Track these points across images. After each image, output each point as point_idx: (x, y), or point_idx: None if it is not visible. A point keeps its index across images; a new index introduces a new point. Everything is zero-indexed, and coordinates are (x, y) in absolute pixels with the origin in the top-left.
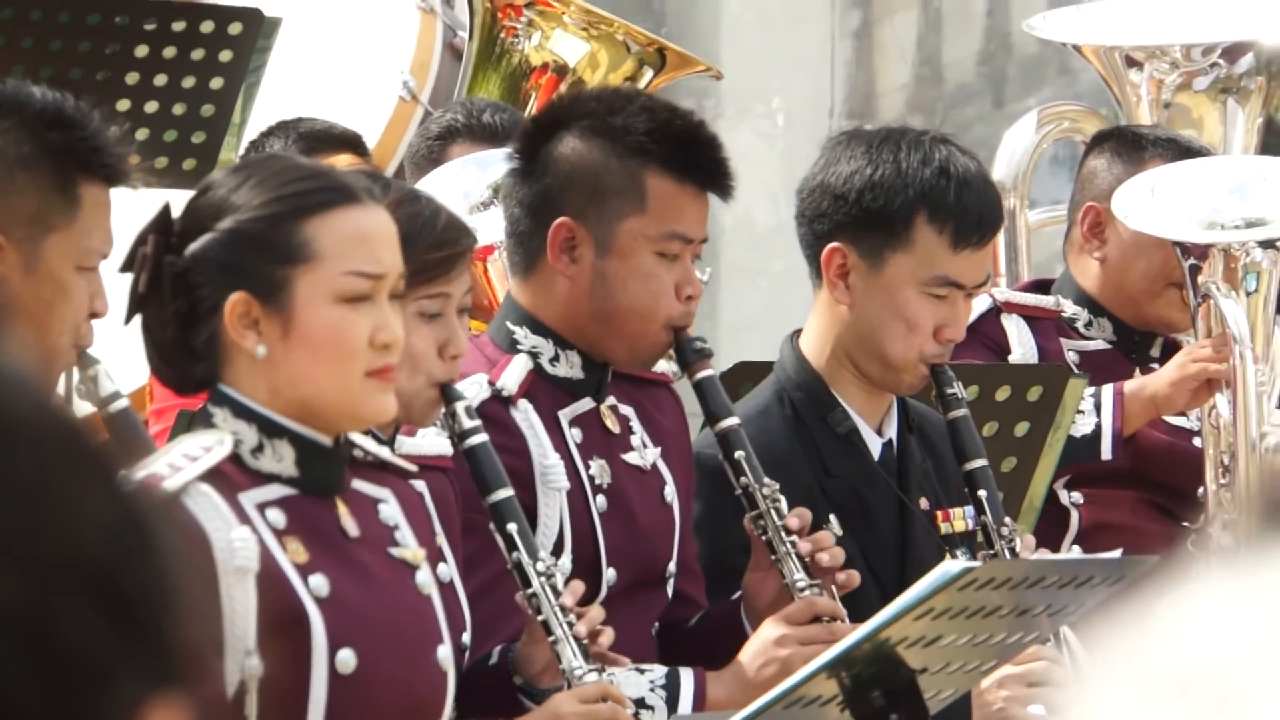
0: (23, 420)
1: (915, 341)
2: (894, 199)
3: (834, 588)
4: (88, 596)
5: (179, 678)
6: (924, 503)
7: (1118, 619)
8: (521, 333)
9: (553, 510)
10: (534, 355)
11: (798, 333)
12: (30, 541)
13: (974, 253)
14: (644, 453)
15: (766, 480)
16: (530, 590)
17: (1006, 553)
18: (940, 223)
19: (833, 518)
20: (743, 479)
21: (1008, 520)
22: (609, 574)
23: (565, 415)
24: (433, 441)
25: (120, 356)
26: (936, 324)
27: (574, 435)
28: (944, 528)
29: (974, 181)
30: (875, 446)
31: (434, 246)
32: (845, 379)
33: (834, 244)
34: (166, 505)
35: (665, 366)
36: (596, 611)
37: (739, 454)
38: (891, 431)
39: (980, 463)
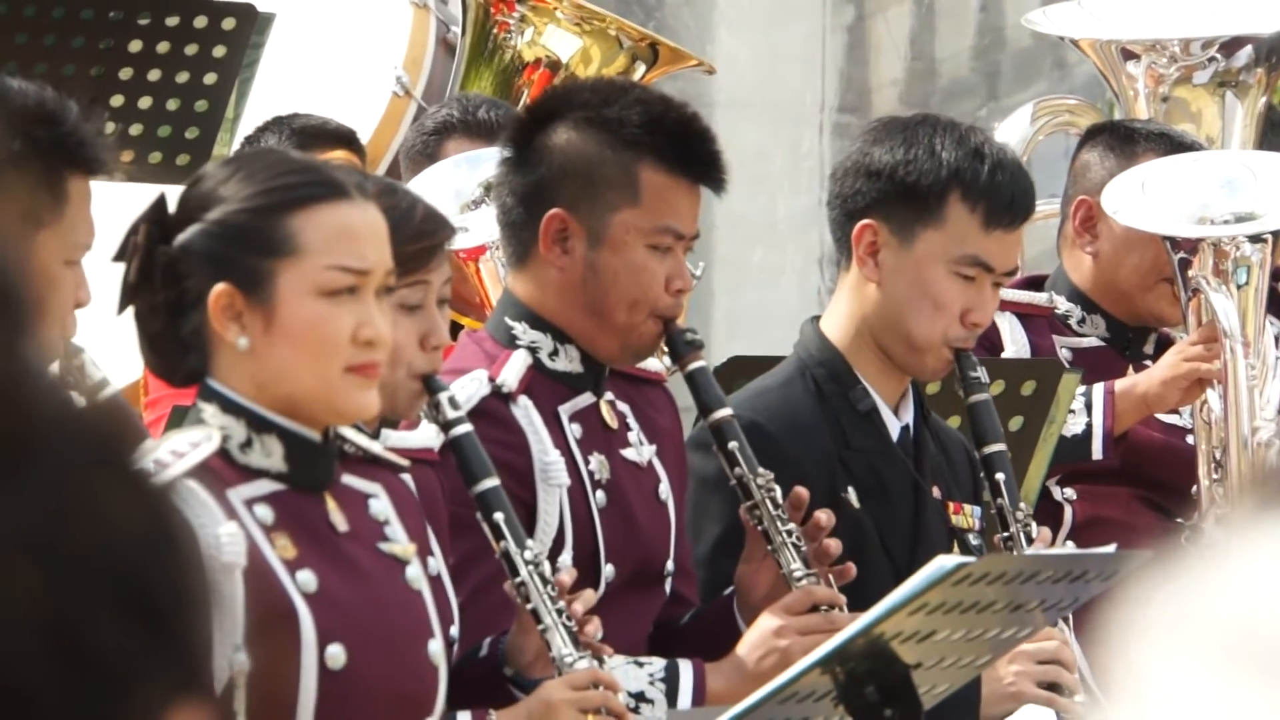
0: (52, 421)
1: (941, 322)
2: (928, 175)
3: (831, 576)
4: (115, 599)
5: (200, 683)
6: (936, 491)
7: (1170, 578)
8: (520, 328)
9: (552, 507)
10: (533, 350)
11: (817, 318)
12: (59, 543)
13: (1005, 234)
14: (641, 449)
15: (761, 470)
16: (519, 579)
17: (1022, 536)
18: (973, 201)
19: (851, 490)
20: (737, 470)
21: (1023, 505)
22: (607, 570)
23: (565, 410)
24: (418, 435)
25: (116, 349)
26: (963, 307)
27: (574, 430)
28: (955, 520)
29: (1008, 164)
30: (894, 428)
31: (413, 238)
32: (866, 359)
33: (866, 220)
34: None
35: (660, 366)
36: (588, 594)
37: (732, 445)
38: (908, 416)
39: (999, 447)
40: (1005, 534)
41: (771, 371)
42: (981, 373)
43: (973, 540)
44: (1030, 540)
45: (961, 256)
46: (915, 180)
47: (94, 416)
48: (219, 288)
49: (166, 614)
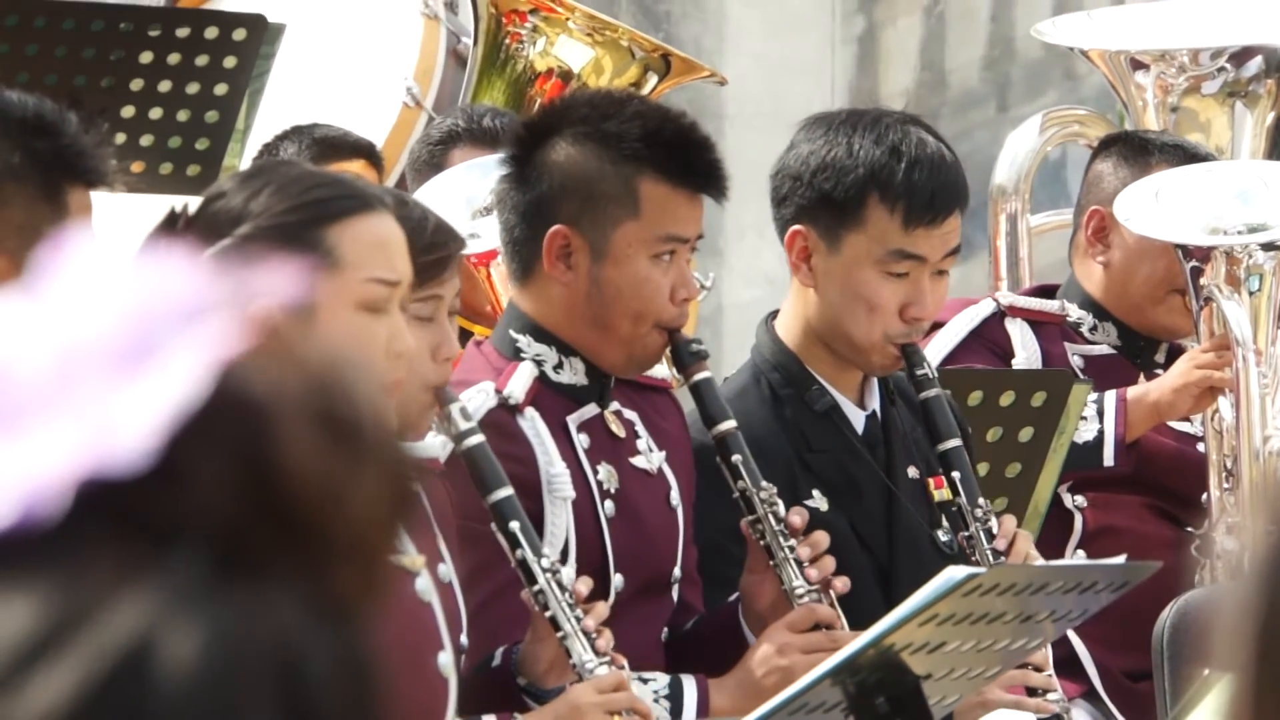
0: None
1: (878, 322)
2: (844, 179)
3: (832, 593)
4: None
5: None
6: (913, 471)
7: None
8: (524, 340)
9: (559, 519)
10: (538, 363)
11: (774, 315)
12: (301, 664)
13: (929, 230)
14: (650, 456)
15: (764, 484)
16: (536, 587)
17: (982, 535)
18: (891, 203)
19: (816, 493)
20: (740, 483)
21: (982, 501)
22: (616, 580)
23: (573, 420)
24: (423, 444)
25: None
26: (900, 303)
27: (582, 440)
28: (937, 495)
29: (925, 160)
30: (858, 420)
31: (425, 250)
32: (819, 356)
33: (796, 226)
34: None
35: (666, 373)
36: (601, 607)
37: (736, 457)
38: (874, 403)
39: (954, 443)
40: (966, 533)
41: (727, 380)
42: (929, 368)
43: (941, 536)
44: (991, 537)
45: (886, 255)
46: (833, 185)
47: None
48: None
49: None
